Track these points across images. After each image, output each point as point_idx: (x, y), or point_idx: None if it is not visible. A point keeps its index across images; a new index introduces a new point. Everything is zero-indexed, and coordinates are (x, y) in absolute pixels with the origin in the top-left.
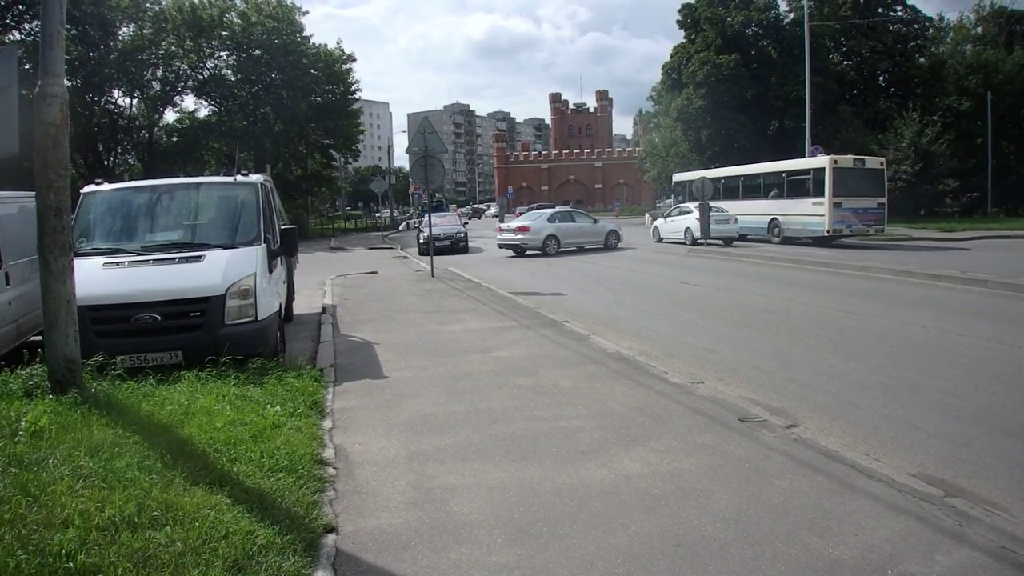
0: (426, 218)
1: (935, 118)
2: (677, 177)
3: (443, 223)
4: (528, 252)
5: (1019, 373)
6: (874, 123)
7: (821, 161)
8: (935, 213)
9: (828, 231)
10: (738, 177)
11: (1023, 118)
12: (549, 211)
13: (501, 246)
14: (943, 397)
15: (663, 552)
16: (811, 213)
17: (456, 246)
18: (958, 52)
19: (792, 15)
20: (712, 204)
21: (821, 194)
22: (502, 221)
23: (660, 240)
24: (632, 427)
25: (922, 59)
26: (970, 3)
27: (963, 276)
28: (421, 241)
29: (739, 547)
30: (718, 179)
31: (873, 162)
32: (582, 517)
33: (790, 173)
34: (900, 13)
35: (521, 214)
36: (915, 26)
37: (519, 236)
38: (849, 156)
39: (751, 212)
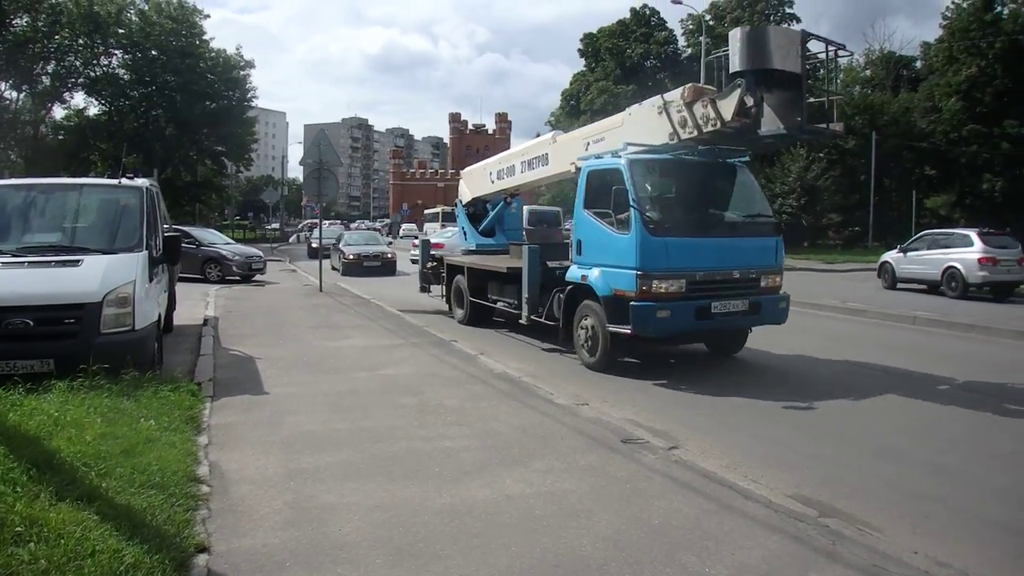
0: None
1: (822, 155)
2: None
3: (364, 239)
4: None
5: (893, 398)
6: (763, 158)
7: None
8: (818, 245)
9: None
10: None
11: (905, 158)
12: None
13: (414, 261)
14: (819, 420)
15: (543, 572)
16: None
17: (386, 267)
18: (847, 92)
19: (690, 50)
20: None
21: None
22: (394, 237)
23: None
24: (516, 448)
25: (812, 99)
26: (860, 47)
27: (843, 306)
28: (345, 258)
29: (618, 567)
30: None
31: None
32: (463, 538)
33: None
34: None
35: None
36: (807, 66)
37: (433, 253)
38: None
39: None
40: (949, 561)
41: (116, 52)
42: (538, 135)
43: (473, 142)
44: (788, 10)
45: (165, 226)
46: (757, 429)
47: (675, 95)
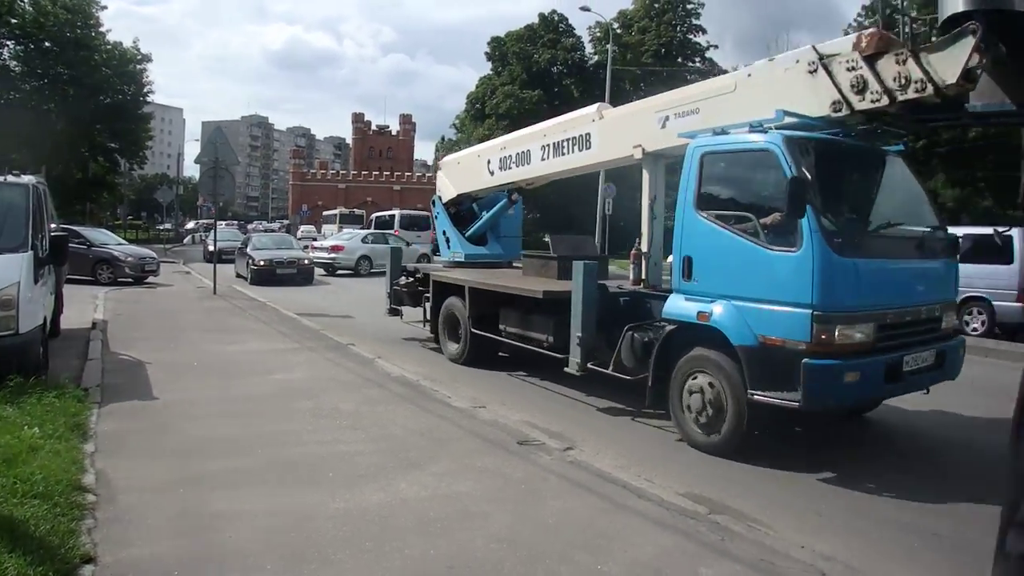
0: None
1: None
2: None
3: (275, 242)
4: (339, 271)
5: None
6: None
7: None
8: None
9: None
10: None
11: None
12: (363, 232)
13: (315, 264)
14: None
15: (437, 574)
16: None
17: (302, 275)
18: None
19: (596, 58)
20: None
21: None
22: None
23: None
24: (412, 451)
25: None
26: (763, 57)
27: None
28: (255, 265)
29: (512, 566)
30: None
31: None
32: (356, 541)
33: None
34: (699, 65)
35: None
36: (711, 77)
37: (332, 255)
38: None
39: None
40: (835, 555)
41: (8, 43)
42: (443, 138)
43: (376, 143)
44: (695, 21)
45: (53, 225)
46: (649, 430)
47: (841, 45)
